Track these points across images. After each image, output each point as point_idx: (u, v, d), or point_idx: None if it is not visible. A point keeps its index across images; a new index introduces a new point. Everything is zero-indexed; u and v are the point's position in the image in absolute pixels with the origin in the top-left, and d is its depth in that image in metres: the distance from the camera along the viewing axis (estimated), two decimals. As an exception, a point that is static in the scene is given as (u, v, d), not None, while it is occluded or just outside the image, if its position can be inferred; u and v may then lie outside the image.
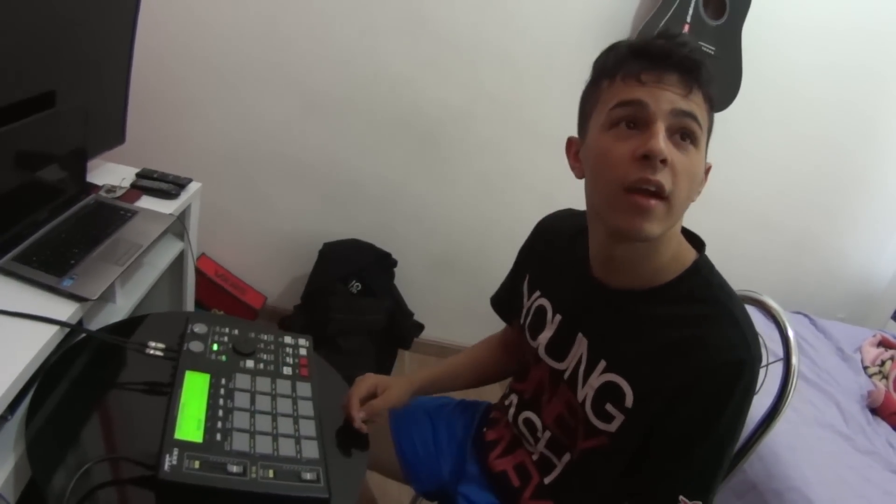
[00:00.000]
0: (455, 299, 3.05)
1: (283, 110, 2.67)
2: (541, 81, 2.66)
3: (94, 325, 1.56)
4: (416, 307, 2.91)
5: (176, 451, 0.98)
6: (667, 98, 0.95)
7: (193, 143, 2.73)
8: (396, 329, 2.76)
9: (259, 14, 2.51)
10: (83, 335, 1.32)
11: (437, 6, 2.50)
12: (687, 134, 0.96)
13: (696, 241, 1.12)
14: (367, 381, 1.28)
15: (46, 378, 1.16)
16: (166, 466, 0.94)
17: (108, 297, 1.67)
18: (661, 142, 0.92)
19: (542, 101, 2.68)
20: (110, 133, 2.04)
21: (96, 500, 0.94)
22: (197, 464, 0.97)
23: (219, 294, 2.82)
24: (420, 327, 2.92)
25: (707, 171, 1.04)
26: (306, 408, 1.18)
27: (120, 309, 1.69)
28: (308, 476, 1.01)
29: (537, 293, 1.28)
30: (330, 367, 1.43)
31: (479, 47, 2.59)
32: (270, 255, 2.99)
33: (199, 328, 1.30)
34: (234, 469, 0.98)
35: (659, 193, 0.93)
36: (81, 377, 1.22)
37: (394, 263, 2.84)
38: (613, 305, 1.11)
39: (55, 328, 1.25)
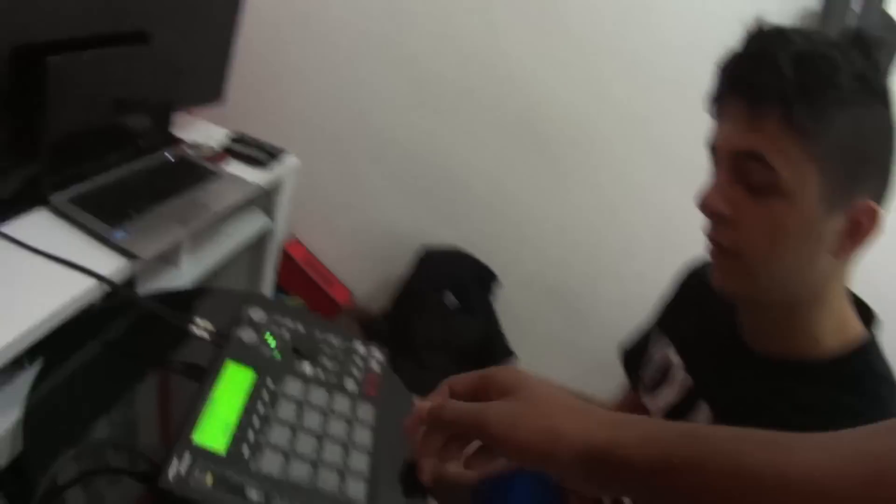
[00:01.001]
0: (554, 332, 2.75)
1: (396, 94, 2.48)
2: (675, 95, 2.26)
3: (151, 288, 1.40)
4: (510, 332, 2.65)
5: (188, 458, 0.75)
6: (725, 134, 0.81)
7: (296, 117, 2.59)
8: (486, 352, 2.51)
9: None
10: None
11: (575, 3, 2.24)
12: (755, 181, 0.78)
13: (865, 311, 0.90)
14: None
15: (70, 334, 1.05)
16: (171, 474, 0.72)
17: (172, 260, 1.50)
18: (712, 193, 0.82)
19: (674, 116, 2.28)
20: (208, 89, 1.91)
21: (84, 490, 0.79)
22: (210, 479, 0.74)
23: (304, 282, 2.66)
24: (512, 354, 2.66)
25: (866, 215, 0.78)
26: (363, 436, 0.93)
27: (183, 275, 1.52)
28: (345, 527, 0.76)
29: (665, 340, 1.07)
30: (405, 390, 1.18)
31: (613, 51, 2.30)
32: (364, 248, 2.80)
33: (257, 315, 1.08)
34: (255, 496, 0.75)
35: (725, 249, 0.83)
36: (110, 342, 1.06)
37: (496, 281, 2.60)
38: (754, 374, 0.90)
39: (93, 281, 1.11)
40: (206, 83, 1.88)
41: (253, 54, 2.36)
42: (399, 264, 2.62)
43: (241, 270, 2.05)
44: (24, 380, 1.04)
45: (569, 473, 0.52)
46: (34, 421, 0.87)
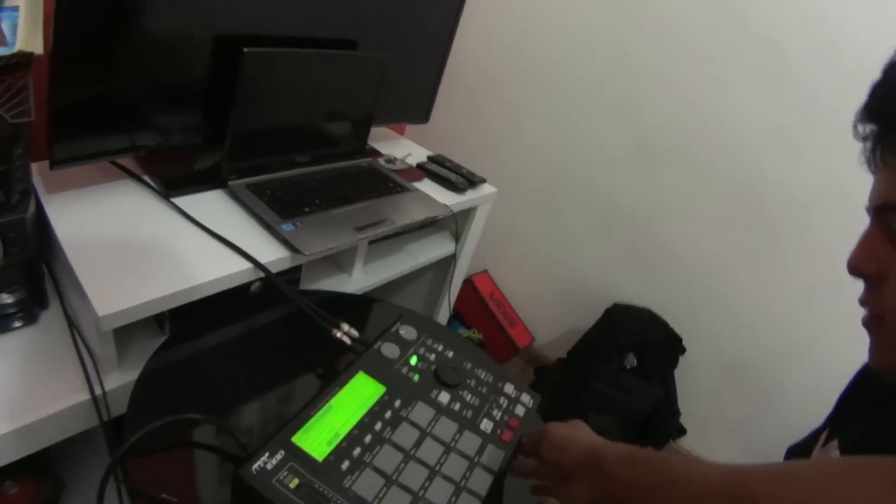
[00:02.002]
0: (731, 417, 2.50)
1: (612, 143, 2.37)
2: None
3: (316, 288, 1.40)
4: (686, 408, 2.46)
5: (280, 456, 0.72)
6: (872, 188, 0.68)
7: (501, 151, 2.56)
8: (656, 423, 2.31)
9: (602, 34, 2.26)
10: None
11: (806, 63, 1.99)
12: None
13: None
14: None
15: (213, 313, 1.07)
16: (254, 466, 0.70)
17: (344, 266, 1.50)
18: (857, 251, 0.69)
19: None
20: (414, 108, 1.92)
21: (170, 460, 0.80)
22: (295, 482, 0.70)
23: (486, 318, 2.62)
24: (681, 431, 2.46)
25: None
26: (481, 482, 0.85)
27: (354, 284, 1.51)
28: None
29: (834, 443, 0.89)
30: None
31: (842, 119, 2.03)
32: (554, 296, 2.70)
33: (407, 332, 1.04)
34: (337, 514, 0.69)
35: (876, 316, 0.68)
36: (250, 327, 1.08)
37: (682, 350, 2.40)
38: None
39: (246, 264, 1.12)
40: (412, 101, 1.90)
41: (465, 83, 2.37)
42: (587, 317, 2.49)
43: (420, 294, 2.03)
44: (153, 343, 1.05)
45: (575, 469, 0.74)
46: (145, 384, 0.89)
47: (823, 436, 0.93)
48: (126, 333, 1.07)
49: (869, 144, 0.66)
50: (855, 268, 0.67)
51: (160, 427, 0.75)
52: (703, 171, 2.24)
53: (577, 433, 0.79)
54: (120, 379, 1.02)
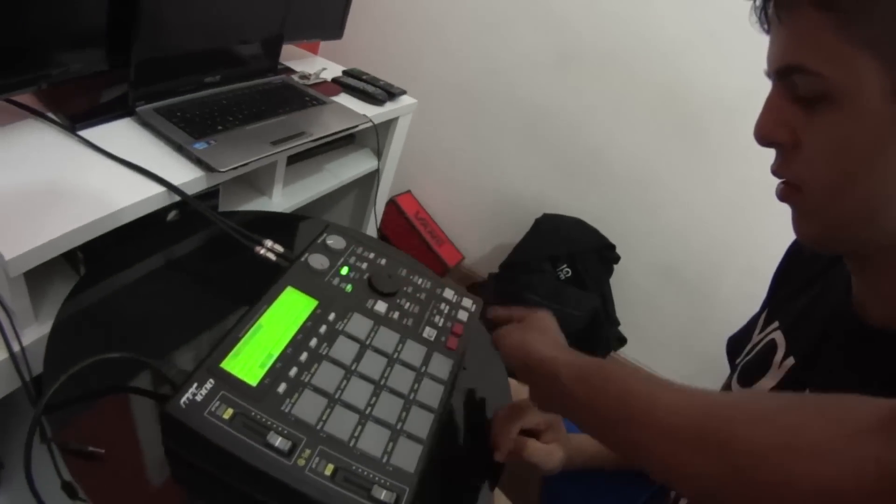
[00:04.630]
0: (671, 322, 2.51)
1: (536, 51, 2.29)
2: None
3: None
4: (625, 317, 2.44)
5: (210, 385, 0.63)
6: (770, 44, 0.63)
7: (420, 64, 2.46)
8: (596, 334, 2.30)
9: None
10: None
11: None
12: (803, 93, 0.59)
13: None
14: (535, 415, 0.90)
15: (128, 244, 0.99)
16: (182, 399, 0.60)
17: (264, 189, 1.40)
18: (763, 117, 0.64)
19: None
20: (328, 23, 1.80)
21: (91, 405, 0.74)
22: (228, 413, 0.61)
23: (412, 238, 2.56)
24: (622, 341, 2.46)
25: None
26: (431, 394, 0.78)
27: (274, 206, 1.41)
28: (382, 496, 0.62)
29: (774, 325, 0.87)
30: (496, 352, 0.94)
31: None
32: (481, 211, 2.65)
33: (335, 242, 0.95)
34: (278, 443, 0.61)
35: (791, 185, 0.65)
36: (168, 251, 1.01)
37: (616, 258, 2.38)
38: (869, 351, 0.68)
39: (160, 188, 1.02)
40: (323, 16, 1.78)
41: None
42: (517, 230, 2.45)
43: (344, 214, 1.94)
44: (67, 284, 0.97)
45: (530, 378, 0.77)
46: (62, 330, 0.80)
47: (762, 319, 0.92)
48: (40, 281, 0.97)
49: (759, 1, 0.61)
50: (764, 135, 0.62)
51: (79, 372, 0.66)
52: (629, 78, 2.19)
53: (531, 338, 0.79)
54: (39, 331, 0.93)
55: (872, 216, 0.60)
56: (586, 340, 2.31)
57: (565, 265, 2.29)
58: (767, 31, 0.63)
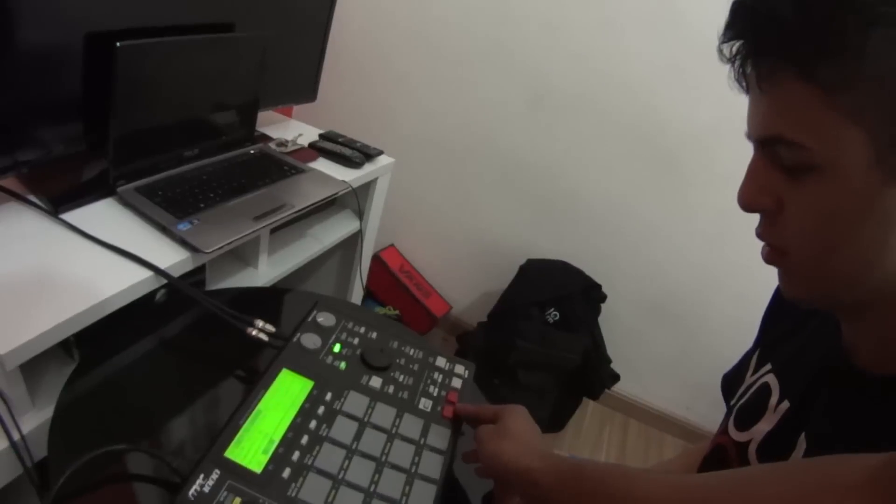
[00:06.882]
0: (661, 355, 2.54)
1: (505, 100, 2.33)
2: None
3: (223, 286, 1.31)
4: (616, 354, 2.45)
5: (216, 475, 0.65)
6: (750, 108, 0.63)
7: (395, 121, 2.49)
8: (588, 374, 2.31)
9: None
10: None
11: (693, 2, 2.00)
12: (786, 162, 0.60)
13: None
14: None
15: (120, 329, 0.99)
16: (191, 491, 0.62)
17: (249, 260, 1.41)
18: (747, 184, 0.64)
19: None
20: (301, 87, 1.82)
21: (99, 494, 0.72)
22: (237, 502, 0.63)
23: (399, 292, 2.56)
24: (615, 378, 2.45)
25: None
26: (432, 465, 0.79)
27: (261, 277, 1.42)
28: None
29: (767, 367, 0.88)
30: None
31: None
32: (465, 260, 2.66)
33: (325, 319, 0.96)
34: (287, 529, 0.62)
35: (776, 249, 0.65)
36: (161, 339, 1.00)
37: (602, 298, 2.40)
38: (861, 396, 0.69)
39: (148, 272, 1.03)
40: (297, 80, 1.80)
41: (351, 55, 2.27)
42: (502, 277, 2.46)
43: (329, 277, 1.95)
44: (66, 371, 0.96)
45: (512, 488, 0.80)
46: (63, 419, 0.80)
47: (754, 359, 0.92)
48: (35, 368, 0.98)
49: (738, 63, 0.61)
50: (748, 203, 0.63)
51: (84, 465, 0.67)
52: (600, 117, 2.23)
53: (505, 448, 0.75)
54: (37, 419, 0.94)
55: (858, 278, 0.61)
56: (580, 381, 2.33)
57: (553, 309, 2.30)
58: (747, 93, 0.63)
